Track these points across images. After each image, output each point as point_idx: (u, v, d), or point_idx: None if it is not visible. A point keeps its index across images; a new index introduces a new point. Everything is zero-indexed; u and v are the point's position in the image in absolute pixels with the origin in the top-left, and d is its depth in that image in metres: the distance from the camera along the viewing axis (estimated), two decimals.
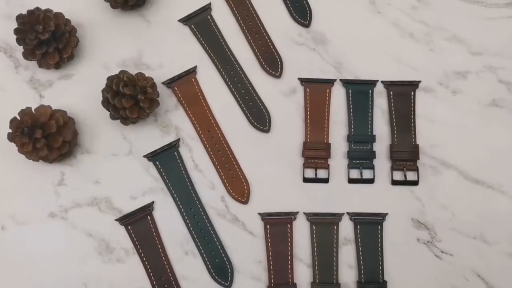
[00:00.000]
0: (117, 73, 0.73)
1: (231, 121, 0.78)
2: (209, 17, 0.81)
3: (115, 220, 0.74)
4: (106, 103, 0.73)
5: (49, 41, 0.75)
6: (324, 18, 0.81)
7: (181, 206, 0.75)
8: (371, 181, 0.76)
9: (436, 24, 0.81)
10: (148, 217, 0.74)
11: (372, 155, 0.76)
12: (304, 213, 0.75)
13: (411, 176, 0.76)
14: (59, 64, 0.78)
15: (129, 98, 0.71)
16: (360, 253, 0.73)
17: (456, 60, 0.80)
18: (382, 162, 0.77)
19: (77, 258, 0.73)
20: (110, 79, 0.72)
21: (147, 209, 0.75)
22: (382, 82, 0.79)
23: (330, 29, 0.81)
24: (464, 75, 0.79)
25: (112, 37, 0.81)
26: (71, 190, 0.76)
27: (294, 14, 0.81)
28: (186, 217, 0.74)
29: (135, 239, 0.74)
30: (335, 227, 0.74)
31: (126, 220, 0.74)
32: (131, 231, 0.74)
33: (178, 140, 0.77)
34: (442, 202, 0.75)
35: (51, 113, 0.72)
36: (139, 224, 0.74)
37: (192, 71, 0.79)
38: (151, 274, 0.73)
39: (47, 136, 0.70)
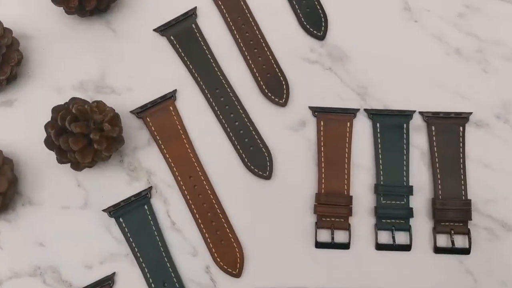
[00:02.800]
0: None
1: (220, 162, 0.60)
2: (193, 25, 0.62)
3: None
4: (50, 143, 0.54)
5: None
6: (344, 29, 0.63)
7: (151, 280, 0.56)
8: (407, 248, 0.57)
9: (490, 37, 0.62)
10: None
11: (408, 213, 0.57)
12: None
13: (460, 241, 0.57)
14: None
15: (79, 137, 0.52)
16: None
17: None
18: (421, 223, 0.58)
19: None
20: (56, 110, 0.53)
21: (106, 283, 0.56)
22: (421, 113, 0.60)
23: (351, 43, 0.62)
24: None
25: (67, 51, 0.62)
26: (8, 255, 0.57)
27: (305, 23, 0.62)
28: None
29: None
30: None
31: None
32: None
33: (150, 188, 0.58)
34: (500, 277, 0.56)
35: None
36: None
37: (170, 97, 0.60)
38: None
39: None
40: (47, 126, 0.54)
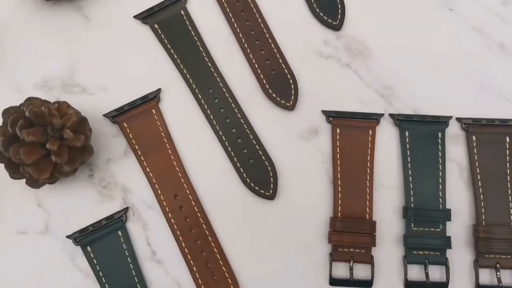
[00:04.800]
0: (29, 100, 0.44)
1: (214, 180, 0.49)
2: (182, 11, 0.52)
3: None
4: None
5: None
6: (364, 17, 0.52)
7: None
8: (443, 286, 0.46)
9: None
10: None
11: (445, 243, 0.46)
12: None
13: (508, 278, 0.46)
14: None
15: (34, 147, 0.41)
16: None
17: None
18: (460, 255, 0.47)
19: None
20: (7, 113, 0.43)
21: None
22: (459, 120, 0.49)
23: (373, 34, 0.52)
24: None
25: (30, 42, 0.52)
26: None
27: (318, 10, 0.52)
28: None
29: None
30: None
31: None
32: None
33: (126, 210, 0.48)
34: None
35: None
36: None
37: (153, 98, 0.50)
38: None
39: None
40: None
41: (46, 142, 0.41)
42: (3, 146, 0.41)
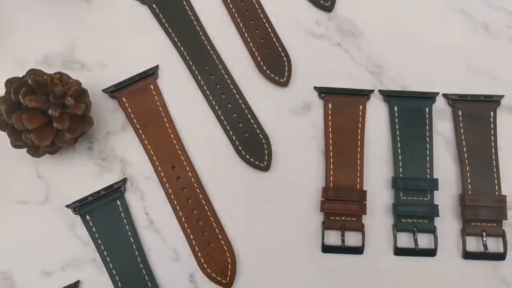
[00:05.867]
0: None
1: (210, 152, 0.50)
2: None
3: None
4: (2, 121, 0.44)
5: None
6: (354, 0, 0.54)
7: None
8: (431, 252, 0.47)
9: None
10: None
11: (433, 211, 0.48)
12: None
13: (493, 244, 0.48)
14: None
15: (36, 114, 0.42)
16: None
17: None
18: (448, 223, 0.49)
19: None
20: (10, 83, 0.44)
21: None
22: (445, 96, 0.51)
23: (363, 15, 0.54)
24: None
25: (31, 20, 0.53)
26: None
27: None
28: None
29: None
30: None
31: None
32: None
33: (125, 181, 0.49)
34: None
35: None
36: None
37: (151, 74, 0.51)
38: None
39: None
40: None
41: (48, 109, 0.42)
42: (6, 113, 0.42)
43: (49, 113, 0.42)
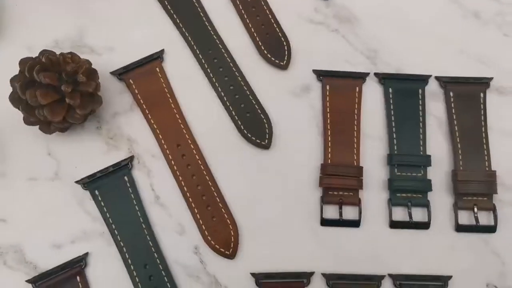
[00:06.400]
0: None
1: (213, 131, 0.53)
2: None
3: (27, 281, 0.47)
4: (16, 98, 0.46)
5: None
6: None
7: (130, 262, 0.48)
8: (425, 225, 0.50)
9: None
10: (78, 278, 0.48)
11: (426, 186, 0.50)
12: (323, 275, 0.48)
13: (484, 218, 0.50)
14: None
15: (49, 89, 0.44)
16: None
17: None
18: (440, 199, 0.51)
19: None
20: (23, 63, 0.46)
21: (77, 265, 0.48)
22: (438, 78, 0.54)
23: (359, 3, 0.57)
24: None
25: (41, 6, 0.56)
26: None
27: None
28: (137, 280, 0.48)
29: None
30: None
31: (43, 282, 0.47)
32: None
33: (132, 158, 0.51)
34: None
35: None
36: None
37: (157, 58, 0.54)
38: None
39: None
40: (13, 80, 0.46)
41: (61, 86, 0.45)
42: (20, 90, 0.45)
43: (62, 89, 0.44)
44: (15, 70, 0.48)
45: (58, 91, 0.45)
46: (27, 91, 0.44)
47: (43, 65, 0.45)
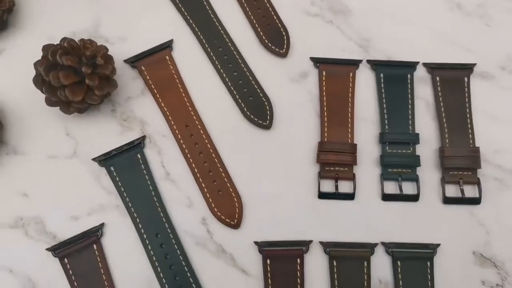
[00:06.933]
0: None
1: (219, 112, 0.57)
2: None
3: (47, 249, 0.51)
4: (39, 80, 0.51)
5: None
6: None
7: (143, 231, 0.52)
8: (414, 198, 0.54)
9: None
10: (94, 246, 0.51)
11: (415, 161, 0.54)
12: (321, 243, 0.52)
13: (470, 191, 0.54)
14: None
15: (70, 71, 0.49)
16: None
17: None
18: (429, 174, 0.55)
19: None
20: (46, 48, 0.51)
21: (94, 234, 0.52)
22: (425, 65, 0.58)
23: None
24: None
25: (61, 1, 0.60)
26: None
27: None
28: (150, 248, 0.52)
29: (73, 278, 0.51)
30: (365, 264, 0.51)
31: (62, 250, 0.51)
32: (68, 267, 0.51)
33: (144, 137, 0.55)
34: None
35: None
36: (80, 256, 0.51)
37: (167, 47, 0.58)
38: None
39: None
40: (36, 64, 0.51)
41: (81, 68, 0.49)
42: (44, 71, 0.49)
43: (82, 70, 0.49)
44: (35, 59, 0.52)
45: (78, 74, 0.50)
46: (51, 73, 0.49)
47: (65, 49, 0.49)
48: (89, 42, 0.51)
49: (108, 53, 0.53)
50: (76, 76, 0.50)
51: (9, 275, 0.51)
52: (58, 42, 0.52)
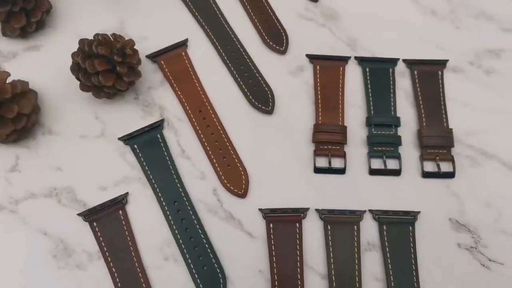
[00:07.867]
0: None
1: (227, 99, 0.65)
2: None
3: (78, 214, 0.59)
4: (76, 68, 0.60)
5: (15, 0, 0.63)
6: None
7: (162, 200, 0.60)
8: (397, 172, 0.62)
9: (460, 1, 0.71)
10: (120, 212, 0.59)
11: (397, 140, 0.63)
12: (317, 210, 0.60)
13: (445, 167, 0.63)
14: (25, 31, 0.66)
15: (104, 59, 0.58)
16: (389, 260, 0.58)
17: (487, 38, 0.69)
18: (409, 151, 0.63)
19: (26, 263, 0.57)
20: (82, 41, 0.60)
21: (119, 202, 0.59)
22: (404, 61, 0.68)
23: (341, 4, 0.71)
24: (497, 53, 0.68)
25: (91, 4, 0.70)
26: (26, 177, 0.61)
27: None
28: (168, 214, 0.59)
29: (101, 239, 0.58)
30: (356, 228, 0.59)
31: (91, 215, 0.59)
32: (96, 230, 0.58)
33: (163, 120, 0.64)
34: (484, 199, 0.61)
35: (7, 77, 0.58)
36: (107, 220, 0.58)
37: (183, 44, 0.67)
38: (119, 285, 0.56)
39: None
40: (73, 55, 0.60)
41: (113, 57, 0.58)
42: (81, 60, 0.58)
43: (114, 59, 0.58)
44: (68, 54, 0.61)
45: (110, 63, 0.59)
46: (87, 61, 0.58)
47: (99, 42, 0.58)
48: (120, 36, 0.60)
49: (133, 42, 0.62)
50: (108, 64, 0.58)
51: (43, 237, 0.58)
52: (91, 38, 0.61)
